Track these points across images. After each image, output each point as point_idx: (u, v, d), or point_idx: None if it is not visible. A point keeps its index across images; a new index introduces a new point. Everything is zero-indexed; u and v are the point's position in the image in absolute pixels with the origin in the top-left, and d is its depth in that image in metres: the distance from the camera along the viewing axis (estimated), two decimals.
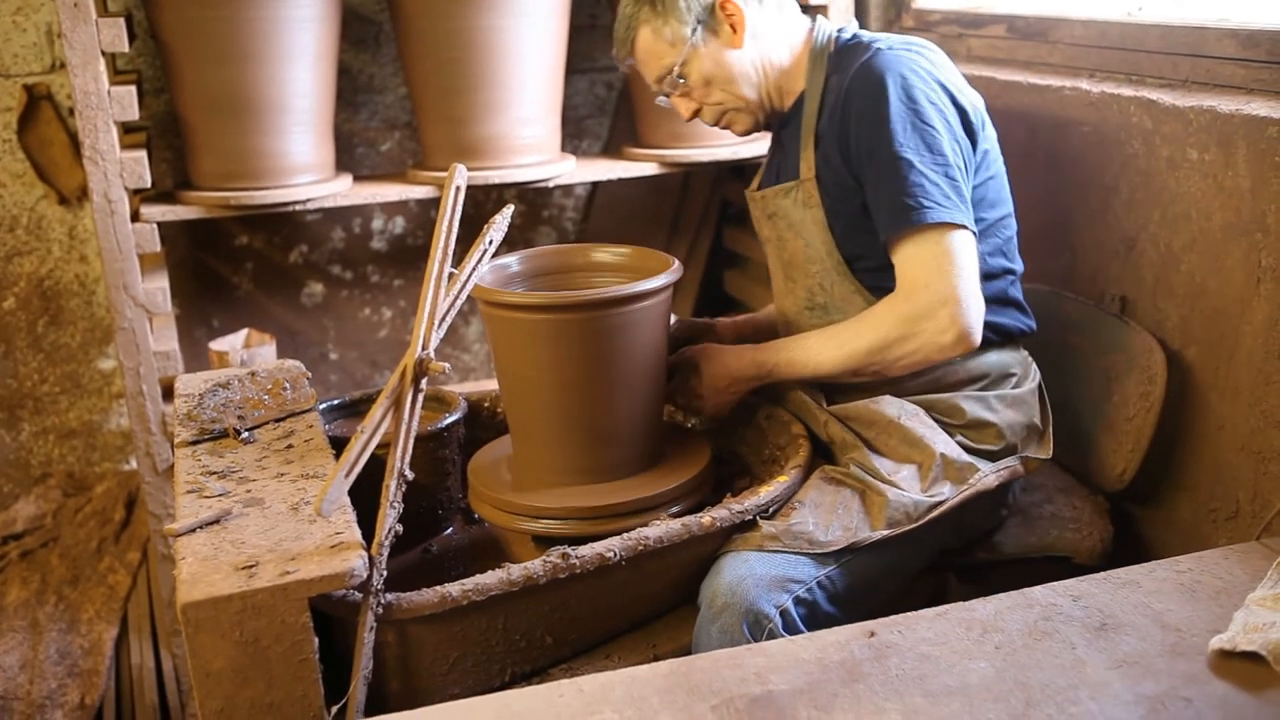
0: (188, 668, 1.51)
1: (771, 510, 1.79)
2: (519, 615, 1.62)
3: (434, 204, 3.19)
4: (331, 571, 1.42)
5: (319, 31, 2.57)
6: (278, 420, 1.93)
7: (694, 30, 1.96)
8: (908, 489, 1.79)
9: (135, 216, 2.51)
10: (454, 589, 1.54)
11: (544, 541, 1.79)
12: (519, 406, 1.89)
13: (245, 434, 1.86)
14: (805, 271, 2.00)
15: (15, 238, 3.03)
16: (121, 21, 2.37)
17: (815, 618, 1.72)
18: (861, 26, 3.05)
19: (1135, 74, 2.26)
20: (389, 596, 1.52)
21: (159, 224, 2.52)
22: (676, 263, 1.90)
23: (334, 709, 1.47)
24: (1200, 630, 1.39)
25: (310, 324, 3.34)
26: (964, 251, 1.80)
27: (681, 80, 2.01)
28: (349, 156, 3.16)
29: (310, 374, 2.10)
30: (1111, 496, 2.13)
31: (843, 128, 1.89)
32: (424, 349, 1.62)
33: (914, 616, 1.46)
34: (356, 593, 1.49)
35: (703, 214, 3.42)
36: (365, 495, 1.60)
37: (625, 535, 1.67)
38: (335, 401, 2.15)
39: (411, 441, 1.60)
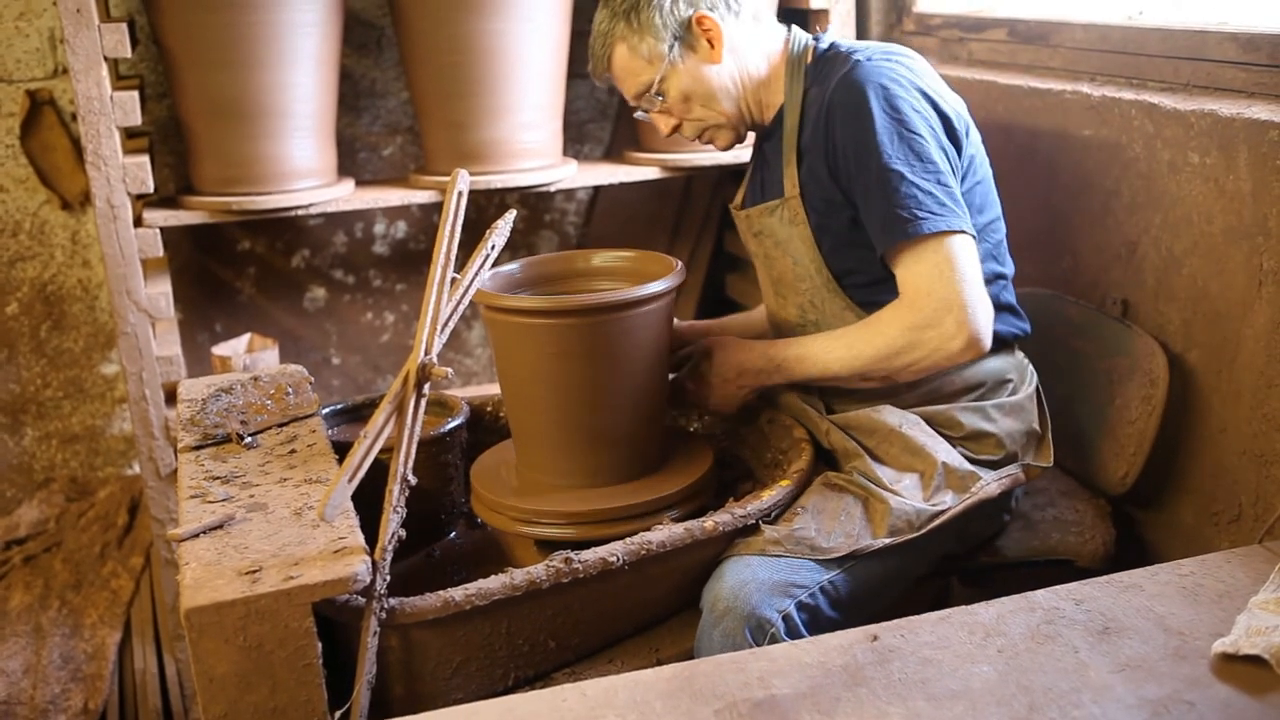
0: (191, 672, 1.51)
1: (774, 515, 1.79)
2: (522, 620, 1.62)
3: (435, 208, 3.19)
4: (335, 576, 1.42)
5: (321, 36, 2.58)
6: (281, 425, 1.93)
7: (671, 47, 1.95)
8: (910, 498, 1.79)
9: (138, 221, 2.52)
10: (457, 593, 1.54)
11: (547, 546, 1.79)
12: (521, 411, 1.89)
13: (248, 439, 1.86)
14: (795, 289, 1.99)
15: (18, 243, 3.03)
16: (124, 27, 2.38)
17: (818, 623, 1.71)
18: (862, 31, 3.08)
19: (1136, 78, 2.27)
20: (392, 601, 1.52)
21: (161, 229, 2.52)
22: (679, 265, 1.90)
23: (337, 714, 1.47)
24: (1203, 634, 1.39)
25: (312, 329, 3.34)
26: (965, 256, 1.79)
27: (660, 97, 2.00)
28: (351, 161, 3.17)
29: (313, 379, 2.10)
30: (1113, 500, 2.14)
31: (827, 143, 1.87)
32: (427, 354, 1.62)
33: (917, 620, 1.46)
34: (360, 597, 1.49)
35: (704, 218, 3.43)
36: (368, 500, 1.60)
37: (628, 539, 1.67)
38: (338, 406, 2.15)
39: (414, 446, 1.60)
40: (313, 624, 1.42)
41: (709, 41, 1.95)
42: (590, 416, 1.83)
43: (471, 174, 1.82)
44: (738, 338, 2.02)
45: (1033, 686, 1.31)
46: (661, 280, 1.82)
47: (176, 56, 2.54)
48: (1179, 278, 2.07)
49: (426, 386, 1.63)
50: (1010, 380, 1.96)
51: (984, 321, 1.80)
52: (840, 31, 2.89)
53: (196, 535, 1.55)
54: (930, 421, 1.89)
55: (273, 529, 1.56)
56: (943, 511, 1.80)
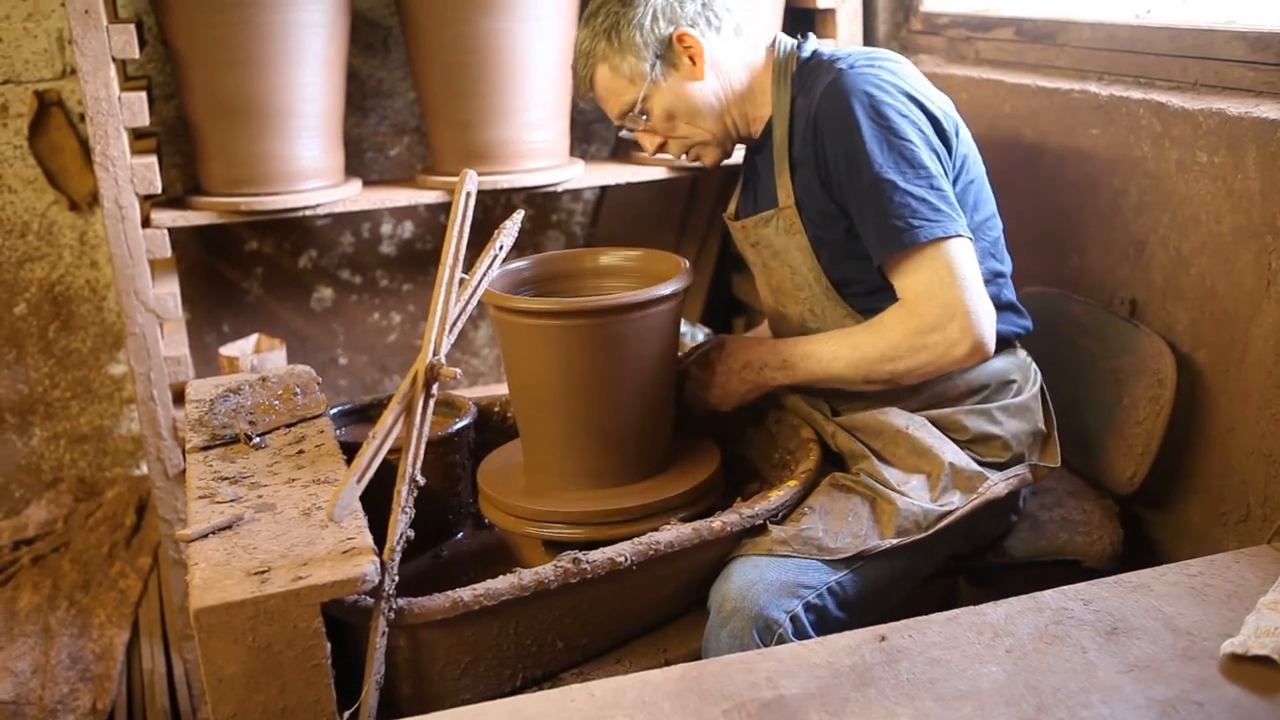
0: (200, 672, 1.51)
1: (781, 515, 1.79)
2: (530, 620, 1.62)
3: (442, 208, 3.19)
4: (343, 577, 1.43)
5: (328, 36, 2.58)
6: (289, 425, 1.94)
7: (652, 65, 1.94)
8: (917, 498, 1.79)
9: (146, 222, 2.52)
10: (465, 594, 1.54)
11: (555, 546, 1.79)
12: (529, 411, 1.89)
13: (256, 439, 1.87)
14: (794, 297, 1.99)
15: (26, 243, 3.04)
16: (132, 28, 2.38)
17: (825, 623, 1.71)
18: (869, 30, 3.08)
19: (1144, 77, 2.26)
20: (400, 601, 1.52)
21: (169, 229, 2.53)
22: (687, 265, 1.90)
23: (346, 714, 1.47)
24: (1211, 634, 1.39)
25: (320, 329, 3.35)
26: (964, 260, 1.78)
27: (644, 116, 1.99)
28: (358, 161, 3.17)
29: (320, 379, 2.10)
30: (1121, 500, 2.13)
31: (818, 155, 1.86)
32: (435, 354, 1.62)
33: (924, 621, 1.46)
34: (368, 598, 1.49)
35: (711, 218, 3.43)
36: (376, 501, 1.60)
37: (636, 540, 1.67)
38: (345, 406, 2.16)
39: (423, 446, 1.60)
40: (321, 624, 1.43)
41: (690, 58, 1.95)
42: (598, 417, 1.83)
43: (478, 174, 1.82)
44: (750, 335, 2.01)
45: (1041, 687, 1.31)
46: (671, 282, 1.82)
47: (184, 57, 2.54)
48: (1187, 277, 2.07)
49: (435, 387, 1.63)
50: (1014, 381, 1.95)
51: (988, 326, 1.79)
52: (847, 31, 2.89)
53: (205, 535, 1.55)
54: (935, 425, 1.89)
55: (281, 529, 1.56)
56: (950, 512, 1.79)
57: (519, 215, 1.86)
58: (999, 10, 2.81)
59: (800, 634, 1.67)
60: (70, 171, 3.00)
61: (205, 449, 1.86)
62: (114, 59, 2.38)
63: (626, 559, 1.64)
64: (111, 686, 2.64)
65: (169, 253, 2.52)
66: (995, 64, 2.72)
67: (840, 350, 1.86)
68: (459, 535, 2.09)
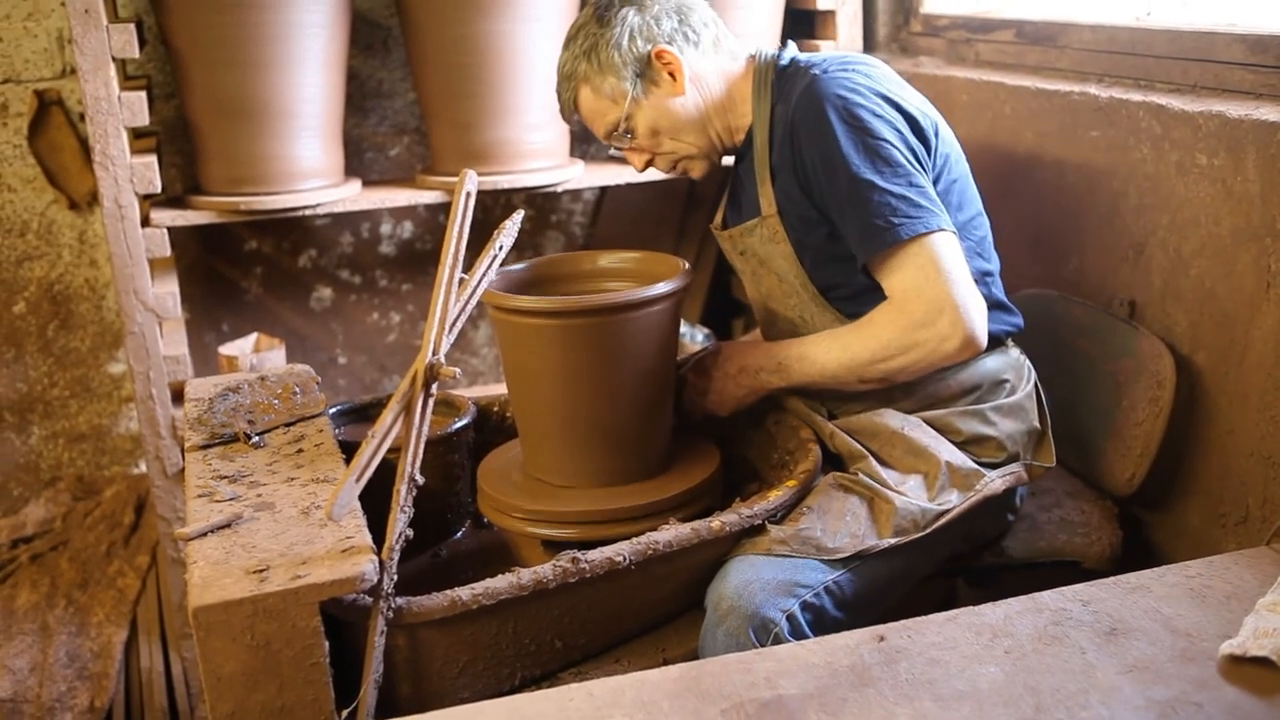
0: (198, 671, 1.51)
1: (780, 515, 1.79)
2: (529, 619, 1.62)
3: (442, 209, 3.19)
4: (342, 576, 1.43)
5: (328, 37, 2.58)
6: (288, 425, 1.94)
7: (633, 84, 1.95)
8: (915, 498, 1.79)
9: (145, 221, 2.52)
10: (464, 593, 1.54)
11: (553, 546, 1.79)
12: (528, 411, 1.89)
13: (255, 438, 1.87)
14: (784, 304, 1.99)
15: (26, 242, 3.04)
16: (132, 27, 2.38)
17: (822, 623, 1.71)
18: (869, 33, 3.08)
19: (1144, 79, 2.27)
20: (399, 600, 1.52)
21: (169, 229, 2.53)
22: (686, 266, 1.90)
23: (345, 713, 1.48)
24: (1210, 635, 1.39)
25: (319, 328, 3.35)
26: (949, 254, 1.79)
27: (629, 135, 2.00)
28: (358, 161, 3.17)
29: (319, 378, 2.10)
30: (1120, 501, 2.13)
31: (796, 161, 1.87)
32: (434, 354, 1.62)
33: (923, 621, 1.46)
34: (367, 597, 1.49)
35: (710, 219, 3.42)
36: (375, 500, 1.60)
37: (635, 540, 1.67)
38: (345, 406, 2.16)
39: (422, 446, 1.60)
40: (320, 623, 1.43)
41: (670, 74, 1.95)
42: (597, 416, 1.83)
43: (478, 174, 1.82)
44: (745, 339, 2.02)
45: (1040, 687, 1.31)
46: (669, 281, 1.82)
47: (184, 57, 2.54)
48: (1186, 279, 2.07)
49: (434, 386, 1.63)
50: (1007, 380, 1.95)
51: (978, 320, 1.79)
52: (848, 34, 2.89)
53: (204, 534, 1.55)
54: (930, 427, 1.89)
55: (280, 528, 1.56)
56: (948, 510, 1.80)
57: (519, 215, 1.86)
58: (999, 12, 2.82)
59: (797, 634, 1.67)
60: (70, 171, 3.00)
61: (204, 448, 1.86)
62: (114, 58, 2.38)
63: (625, 559, 1.64)
64: (109, 685, 2.64)
65: (168, 252, 2.52)
66: (995, 66, 2.73)
67: (832, 351, 1.87)
68: (458, 534, 2.09)
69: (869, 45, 3.09)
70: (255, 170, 2.59)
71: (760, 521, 1.76)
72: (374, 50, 3.13)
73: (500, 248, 1.81)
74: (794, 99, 1.88)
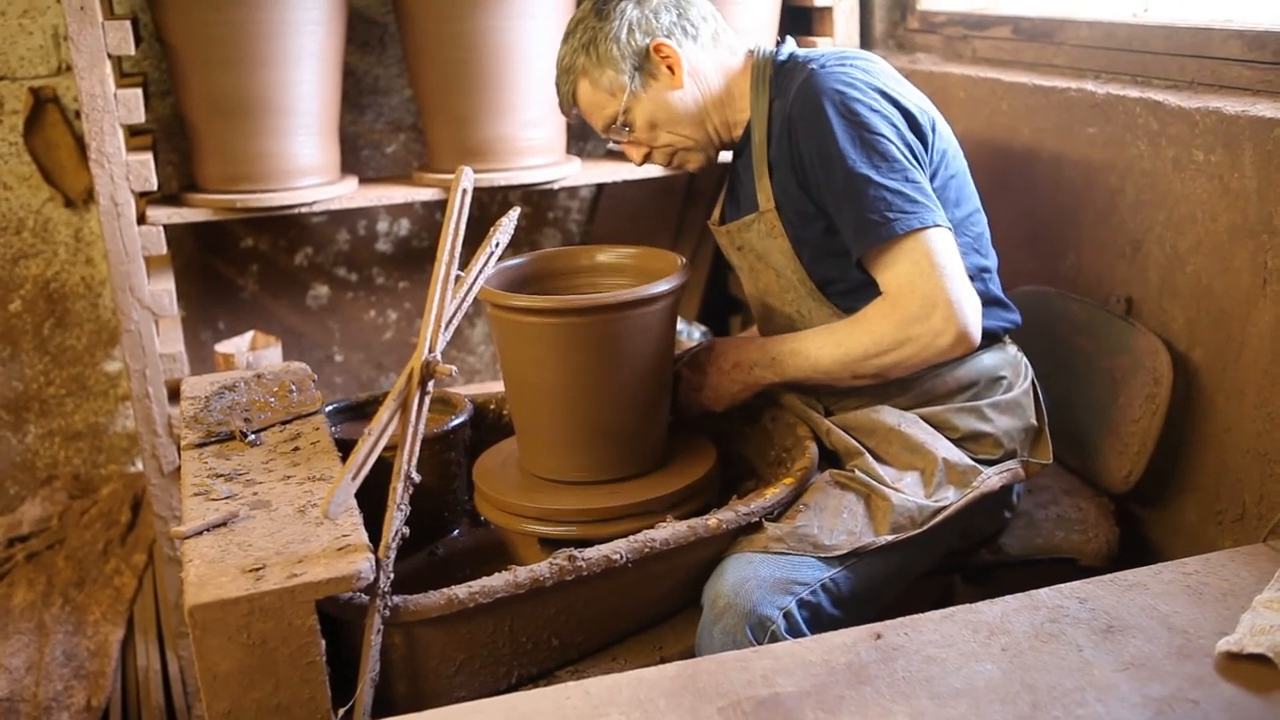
0: (194, 670, 1.51)
1: (777, 512, 1.79)
2: (525, 617, 1.62)
3: (439, 206, 3.19)
4: (338, 574, 1.42)
5: (324, 34, 2.58)
6: (284, 423, 1.94)
7: (631, 77, 1.96)
8: (912, 494, 1.79)
9: (141, 219, 2.52)
10: (461, 591, 1.54)
11: (550, 544, 1.79)
12: (525, 409, 1.89)
13: (252, 436, 1.86)
14: (782, 300, 1.99)
15: (21, 240, 3.03)
16: (128, 24, 2.38)
17: (819, 620, 1.71)
18: (866, 29, 3.08)
19: (1141, 75, 2.26)
20: (396, 599, 1.52)
21: (165, 226, 2.53)
22: (684, 262, 1.90)
23: (341, 711, 1.47)
24: (1207, 632, 1.39)
25: (315, 326, 3.34)
26: (944, 250, 1.78)
27: (627, 128, 2.01)
28: (354, 159, 3.16)
29: (316, 376, 2.10)
30: (1117, 498, 2.13)
31: (793, 156, 1.87)
32: (431, 351, 1.62)
33: (920, 619, 1.46)
34: (363, 595, 1.49)
35: (707, 216, 3.42)
36: (372, 498, 1.60)
37: (632, 537, 1.67)
38: (341, 404, 2.15)
39: (418, 444, 1.60)
40: (316, 621, 1.42)
41: (669, 68, 1.96)
42: (594, 415, 1.83)
43: (475, 171, 1.82)
44: (740, 335, 2.02)
45: (1037, 685, 1.31)
46: (667, 280, 1.82)
47: (180, 54, 2.54)
48: (1183, 275, 2.07)
49: (430, 384, 1.63)
50: (1004, 377, 1.95)
51: (972, 316, 1.79)
52: (845, 30, 2.89)
53: (200, 533, 1.55)
54: (927, 424, 1.89)
55: (276, 526, 1.56)
56: (945, 507, 1.80)
57: (515, 212, 1.86)
58: (996, 9, 2.81)
59: (794, 631, 1.67)
60: (65, 168, 2.99)
61: (200, 446, 1.85)
62: (109, 56, 2.38)
63: (622, 556, 1.64)
64: (106, 684, 2.64)
65: (164, 250, 2.52)
66: (992, 62, 2.73)
67: (826, 346, 1.87)
68: (455, 533, 2.08)
69: (866, 42, 3.09)
70: (251, 168, 2.58)
71: (757, 519, 1.76)
72: (370, 47, 3.13)
73: (496, 244, 1.81)
74: (792, 93, 1.88)
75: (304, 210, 2.65)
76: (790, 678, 1.35)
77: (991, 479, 1.86)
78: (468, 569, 1.98)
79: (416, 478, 1.59)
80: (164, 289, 2.52)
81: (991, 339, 1.94)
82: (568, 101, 2.05)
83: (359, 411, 2.17)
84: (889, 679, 1.34)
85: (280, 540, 1.51)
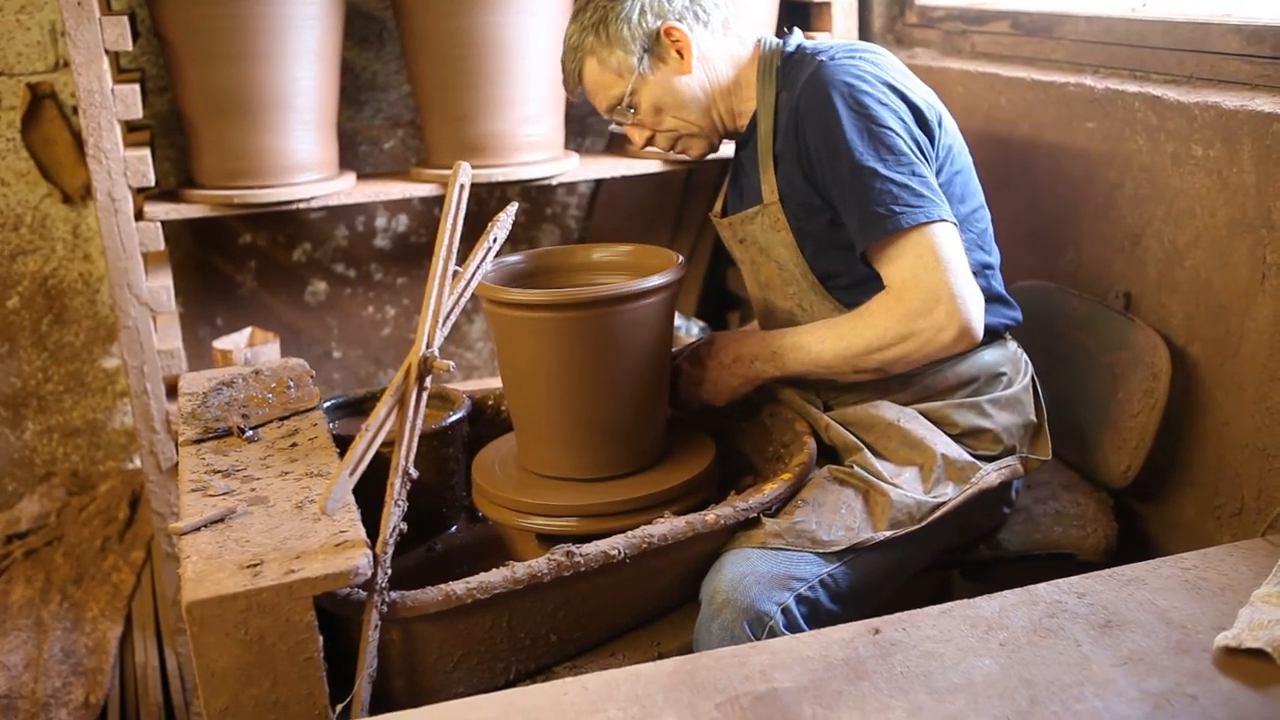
0: (192, 666, 1.51)
1: (775, 508, 1.79)
2: (523, 613, 1.62)
3: (437, 202, 3.19)
4: (336, 570, 1.42)
5: (322, 29, 2.57)
6: (282, 419, 1.93)
7: (640, 59, 1.94)
8: (910, 490, 1.79)
9: (139, 215, 2.51)
10: (459, 587, 1.54)
11: (548, 539, 1.79)
12: (523, 404, 1.89)
13: (249, 432, 1.86)
14: (783, 293, 1.98)
15: (19, 236, 3.03)
16: (125, 20, 2.37)
17: (817, 615, 1.71)
18: (864, 24, 3.08)
19: (1139, 70, 2.26)
20: (393, 595, 1.52)
21: (163, 222, 2.52)
22: (680, 259, 1.90)
23: (339, 707, 1.47)
24: (1205, 627, 1.39)
25: (314, 322, 3.34)
26: (948, 245, 1.78)
27: (631, 110, 2.00)
28: (352, 154, 3.16)
29: (314, 372, 2.10)
30: (1116, 493, 2.13)
31: (800, 147, 1.87)
32: (428, 347, 1.62)
33: (918, 614, 1.46)
34: (361, 591, 1.49)
35: (705, 211, 3.42)
36: (370, 494, 1.60)
37: (630, 533, 1.67)
38: (339, 400, 2.15)
39: (416, 440, 1.60)
40: (314, 617, 1.42)
41: (678, 52, 1.95)
42: (592, 410, 1.83)
43: (473, 167, 1.82)
44: (741, 329, 2.02)
45: (1035, 680, 1.31)
46: (663, 274, 1.82)
47: (178, 50, 2.53)
48: (1182, 270, 2.07)
49: (428, 380, 1.63)
50: (1004, 373, 1.95)
51: (975, 311, 1.79)
52: (843, 25, 2.89)
53: (197, 529, 1.55)
54: (926, 419, 1.89)
55: (274, 522, 1.56)
56: (943, 503, 1.79)
57: (513, 208, 1.86)
58: (994, 3, 2.81)
59: (792, 626, 1.67)
60: (63, 164, 2.99)
61: (198, 442, 1.85)
62: (107, 51, 2.37)
63: (620, 552, 1.64)
64: (104, 680, 2.64)
65: (162, 246, 2.52)
66: (991, 57, 2.72)
67: (827, 340, 1.86)
68: (452, 528, 2.08)
69: (864, 37, 3.08)
70: (249, 164, 2.58)
71: (755, 514, 1.76)
72: (368, 43, 3.12)
73: (494, 240, 1.81)
74: (799, 85, 1.87)
75: (302, 206, 2.65)
76: (788, 673, 1.35)
77: (990, 476, 1.86)
78: (466, 565, 1.98)
79: (414, 474, 1.59)
80: (162, 285, 2.52)
81: (992, 335, 1.94)
82: (573, 79, 2.03)
83: (357, 407, 2.16)
84: (887, 674, 1.34)
85: (278, 536, 1.51)
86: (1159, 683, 1.29)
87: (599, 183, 3.43)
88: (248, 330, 2.85)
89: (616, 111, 2.02)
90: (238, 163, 2.58)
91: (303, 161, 2.62)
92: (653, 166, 2.87)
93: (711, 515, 1.72)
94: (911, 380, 1.90)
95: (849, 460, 1.86)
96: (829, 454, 1.93)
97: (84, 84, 2.36)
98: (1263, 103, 1.90)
